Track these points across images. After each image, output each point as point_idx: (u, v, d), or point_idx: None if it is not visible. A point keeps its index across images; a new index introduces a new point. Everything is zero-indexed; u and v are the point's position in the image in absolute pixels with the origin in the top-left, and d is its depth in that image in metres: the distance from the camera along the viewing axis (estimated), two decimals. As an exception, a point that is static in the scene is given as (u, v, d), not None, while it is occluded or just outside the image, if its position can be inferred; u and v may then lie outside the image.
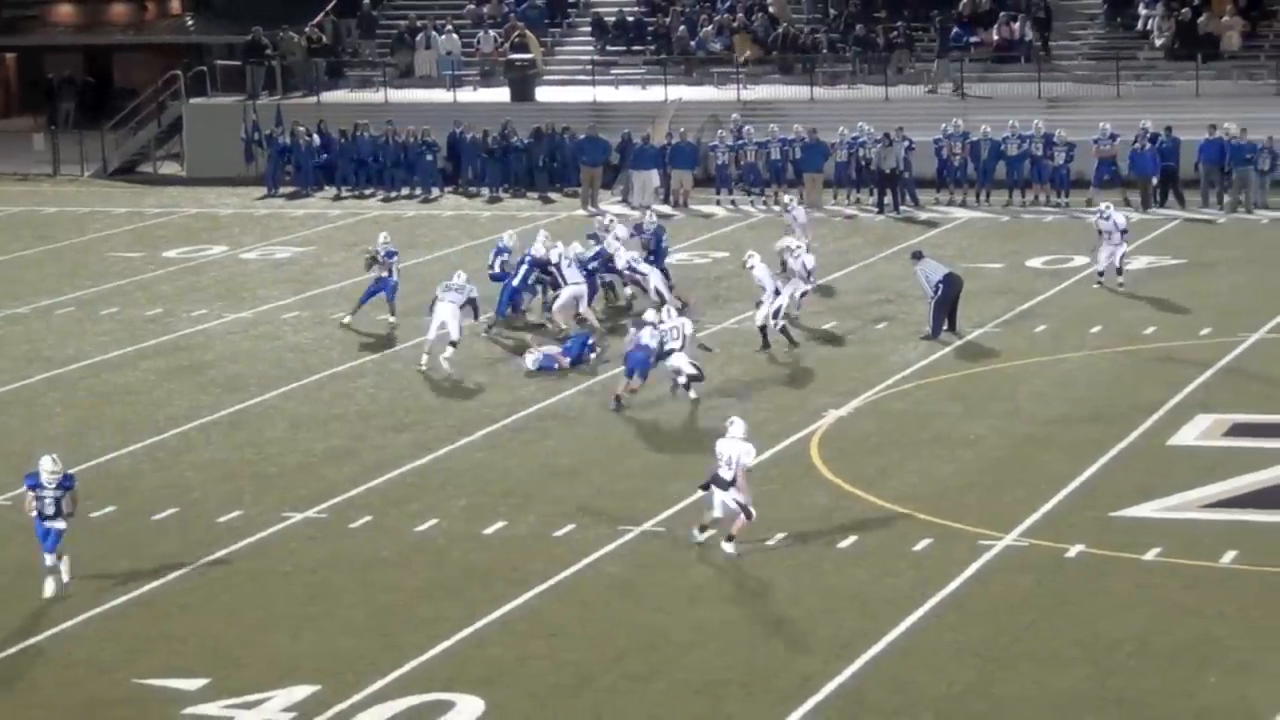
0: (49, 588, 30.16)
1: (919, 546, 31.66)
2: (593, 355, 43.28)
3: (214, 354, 45.07)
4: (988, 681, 26.62)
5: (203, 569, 31.92)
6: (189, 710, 26.49)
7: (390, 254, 47.19)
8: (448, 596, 30.31)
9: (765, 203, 63.05)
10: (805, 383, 41.42)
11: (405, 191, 67.40)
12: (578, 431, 39.01)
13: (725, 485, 30.74)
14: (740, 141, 64.45)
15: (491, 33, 75.41)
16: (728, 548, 30.89)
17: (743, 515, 30.75)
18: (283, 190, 68.88)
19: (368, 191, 68.01)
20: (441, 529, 33.38)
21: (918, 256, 46.54)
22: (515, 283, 46.58)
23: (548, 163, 66.91)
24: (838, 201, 62.41)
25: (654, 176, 64.07)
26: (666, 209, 62.70)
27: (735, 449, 30.65)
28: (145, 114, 76.94)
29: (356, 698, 26.54)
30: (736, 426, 31.00)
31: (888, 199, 60.98)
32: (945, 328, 44.89)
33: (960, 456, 36.14)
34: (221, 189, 69.65)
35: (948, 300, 44.92)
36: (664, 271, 48.47)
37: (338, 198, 67.68)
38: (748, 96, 69.30)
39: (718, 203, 63.39)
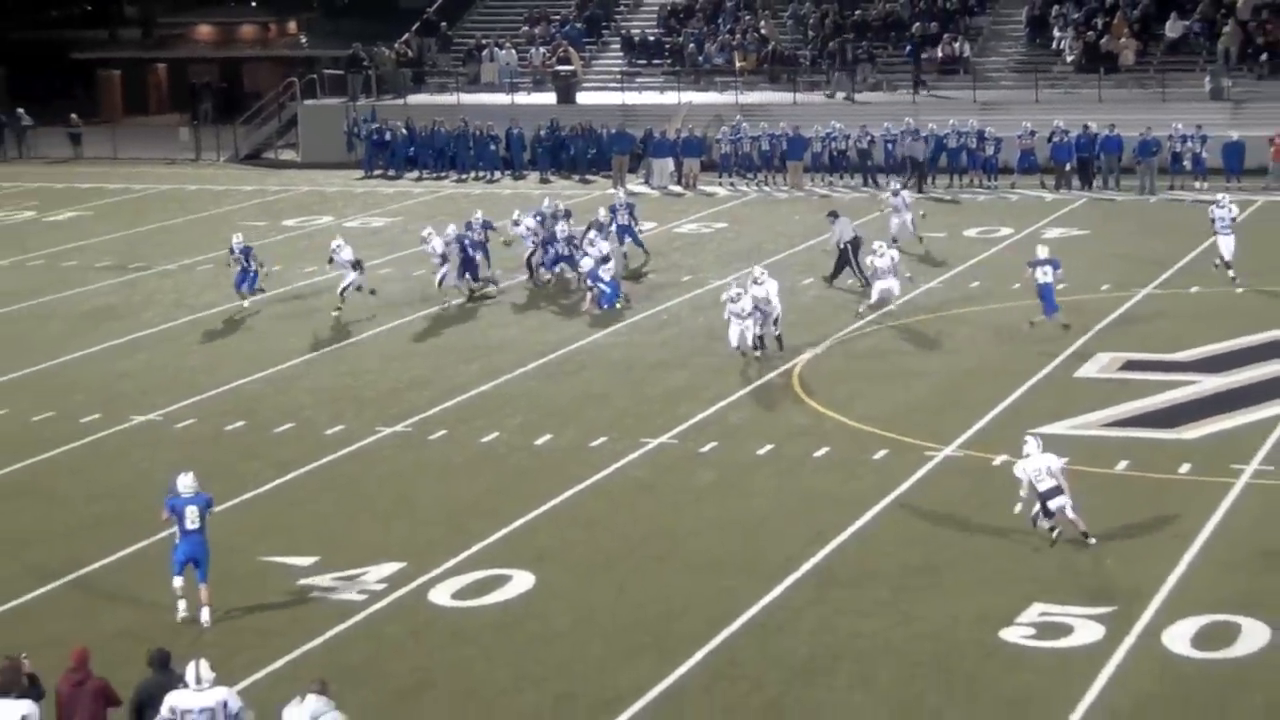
0: (182, 609, 25.13)
1: (877, 456, 31.69)
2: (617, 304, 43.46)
3: (321, 301, 45.06)
4: (932, 562, 26.67)
5: (313, 470, 32.01)
6: (303, 581, 26.61)
7: (246, 250, 45.22)
8: (506, 494, 30.37)
9: (758, 184, 63.02)
10: (788, 325, 41.32)
11: (473, 175, 67.32)
12: (608, 365, 39.01)
13: (1056, 494, 26.48)
14: (738, 135, 64.42)
15: (541, 49, 75.29)
16: (1091, 541, 26.69)
17: (1076, 516, 26.60)
18: (376, 173, 68.78)
19: (443, 174, 67.91)
20: (501, 440, 33.43)
21: (834, 216, 46.64)
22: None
23: (586, 151, 66.95)
24: (814, 183, 62.26)
25: (669, 163, 64.09)
26: (678, 189, 62.76)
27: (1042, 462, 26.47)
28: (268, 112, 76.84)
29: (434, 572, 26.64)
30: (1032, 444, 26.83)
31: (913, 180, 60.63)
32: (850, 277, 45.12)
33: (911, 385, 36.14)
34: (328, 171, 69.53)
35: (850, 256, 45.16)
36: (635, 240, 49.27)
37: (420, 179, 67.51)
38: (744, 100, 69.10)
39: (720, 184, 63.33)
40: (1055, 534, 26.60)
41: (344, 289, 43.88)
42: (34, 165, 75.70)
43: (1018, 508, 26.76)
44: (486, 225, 47.00)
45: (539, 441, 33.32)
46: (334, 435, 34.00)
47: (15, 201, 65.24)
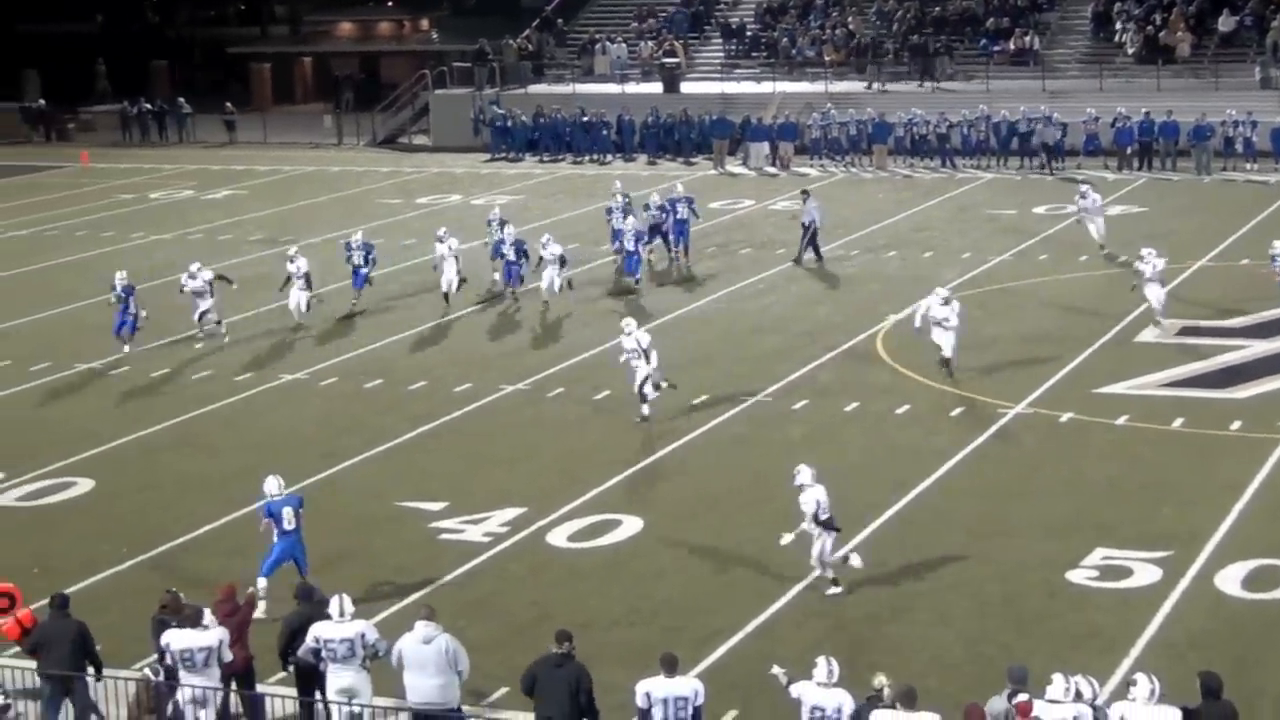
0: (262, 610, 22.35)
1: (954, 413, 31.52)
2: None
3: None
4: (1002, 510, 26.53)
5: (443, 424, 32.10)
6: (434, 524, 26.69)
7: (128, 289, 37.70)
8: (617, 445, 30.39)
9: (845, 166, 62.78)
10: (872, 295, 41.18)
11: (587, 158, 67.30)
12: (709, 329, 38.95)
13: (831, 524, 23.41)
14: (828, 121, 64.23)
15: (649, 42, 75.18)
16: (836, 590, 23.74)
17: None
18: (500, 155, 68.83)
19: (560, 157, 67.92)
20: (612, 397, 33.39)
21: (806, 195, 46.23)
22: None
23: (689, 136, 66.83)
24: (896, 165, 61.93)
25: (765, 147, 63.90)
26: (773, 170, 62.53)
27: (823, 494, 23.44)
28: (403, 101, 77.03)
29: (552, 516, 26.68)
30: (807, 473, 23.69)
31: (1045, 163, 60.15)
32: (810, 255, 44.93)
33: (984, 348, 35.87)
34: (457, 154, 69.66)
35: (813, 236, 44.97)
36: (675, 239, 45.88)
37: (540, 161, 67.58)
38: (833, 89, 68.76)
39: (811, 165, 63.07)
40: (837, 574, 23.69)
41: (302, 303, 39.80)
42: (193, 149, 76.21)
43: (787, 539, 23.49)
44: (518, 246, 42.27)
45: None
46: (462, 392, 34.06)
47: (177, 181, 65.70)
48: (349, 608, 19.15)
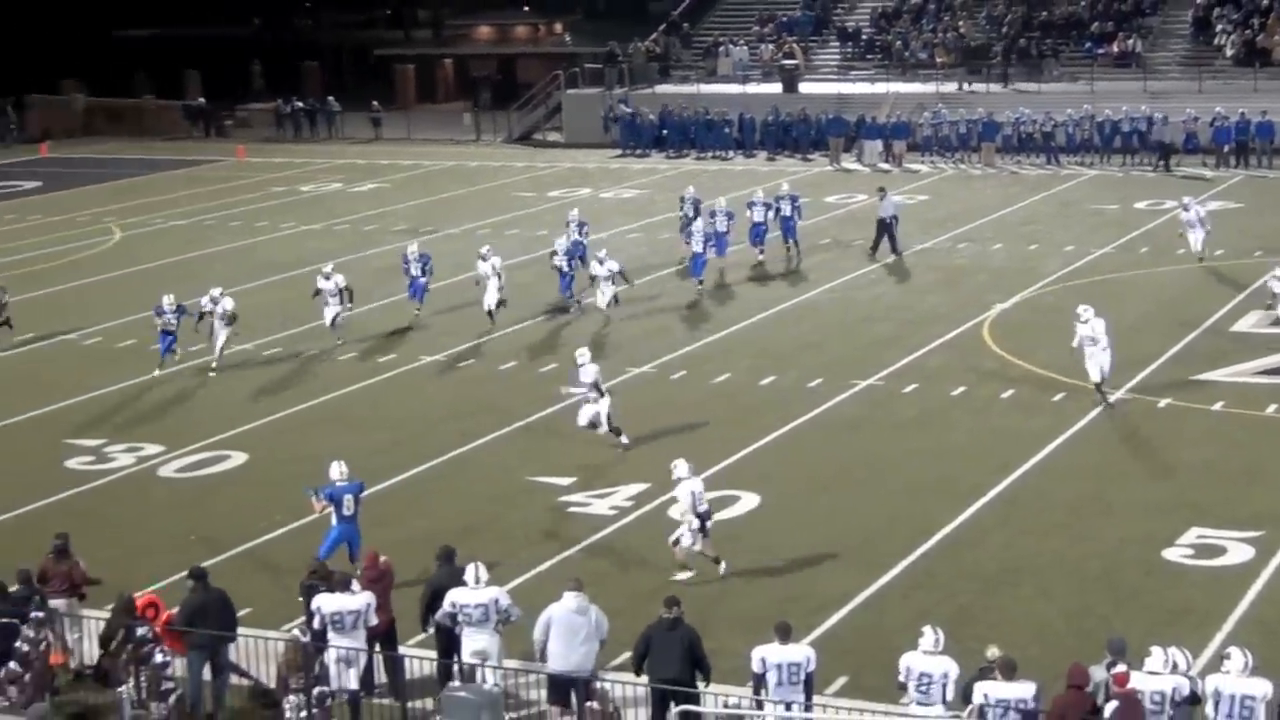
0: None
1: (1056, 398, 31.30)
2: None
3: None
4: (1102, 491, 26.34)
5: (571, 404, 32.17)
6: (563, 498, 26.82)
7: (179, 310, 35.13)
8: (736, 425, 30.37)
9: (955, 163, 62.41)
10: (980, 285, 40.94)
11: (710, 154, 67.26)
12: (823, 317, 38.87)
13: (708, 516, 23.36)
14: (939, 120, 63.94)
15: (769, 45, 75.07)
16: (722, 568, 23.45)
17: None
18: (628, 151, 68.91)
19: (685, 153, 67.89)
20: (731, 380, 33.43)
21: (883, 192, 45.90)
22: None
23: (806, 134, 66.68)
24: (1004, 162, 61.48)
25: (878, 144, 63.68)
26: (886, 166, 62.25)
27: (699, 486, 23.30)
28: (537, 100, 77.21)
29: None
30: (683, 467, 23.43)
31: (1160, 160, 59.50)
32: (891, 250, 44.42)
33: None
34: (588, 150, 69.79)
35: (890, 230, 44.56)
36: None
37: (666, 157, 67.60)
38: (943, 89, 68.41)
39: (922, 162, 62.73)
40: (721, 565, 23.36)
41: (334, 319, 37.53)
42: (342, 145, 76.77)
43: (674, 538, 23.34)
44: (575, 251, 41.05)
45: (764, 382, 33.28)
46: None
47: (326, 176, 66.24)
48: (484, 575, 19.29)
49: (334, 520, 23.12)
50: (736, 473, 27.78)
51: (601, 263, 38.61)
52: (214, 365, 35.36)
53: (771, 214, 45.01)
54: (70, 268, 47.88)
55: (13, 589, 20.26)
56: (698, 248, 41.90)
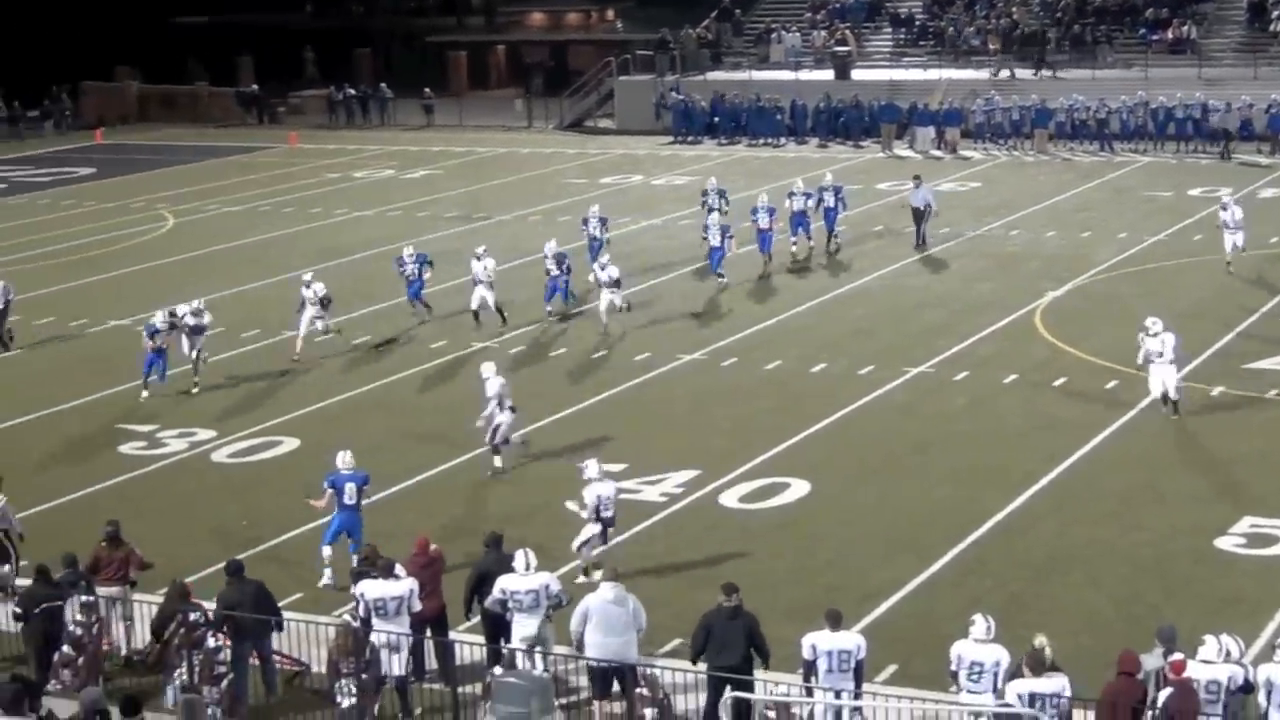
0: (328, 576, 22.99)
1: (1109, 385, 31.17)
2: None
3: (633, 247, 45.22)
4: (1153, 479, 26.23)
5: (623, 391, 32.23)
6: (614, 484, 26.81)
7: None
8: (786, 413, 30.35)
9: (1008, 149, 62.23)
10: (1032, 272, 40.79)
11: (762, 141, 67.18)
12: (874, 305, 38.78)
13: (611, 523, 22.97)
14: (991, 106, 63.79)
15: (822, 32, 74.87)
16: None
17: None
18: (680, 138, 68.86)
19: (736, 140, 67.83)
20: (782, 367, 33.40)
21: (918, 180, 45.78)
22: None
23: (858, 120, 66.53)
24: (1057, 148, 61.23)
25: (931, 130, 63.55)
26: (938, 153, 62.07)
27: (609, 490, 22.88)
28: (589, 87, 77.18)
29: (724, 479, 26.73)
30: (594, 467, 23.00)
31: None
32: (916, 241, 44.32)
33: (1138, 323, 35.41)
34: (639, 137, 69.78)
35: (922, 218, 44.51)
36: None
37: (718, 144, 67.54)
38: (996, 76, 68.19)
39: (975, 149, 62.54)
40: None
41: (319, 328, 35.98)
42: (394, 131, 76.93)
43: (578, 543, 22.82)
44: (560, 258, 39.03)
45: (815, 369, 33.23)
46: (641, 361, 34.17)
47: (379, 162, 66.41)
48: (534, 561, 19.32)
49: (335, 508, 23.06)
50: (787, 459, 27.75)
51: (603, 268, 37.35)
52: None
53: (814, 204, 44.37)
54: (124, 253, 48.15)
55: (58, 575, 20.37)
56: (714, 241, 40.91)
